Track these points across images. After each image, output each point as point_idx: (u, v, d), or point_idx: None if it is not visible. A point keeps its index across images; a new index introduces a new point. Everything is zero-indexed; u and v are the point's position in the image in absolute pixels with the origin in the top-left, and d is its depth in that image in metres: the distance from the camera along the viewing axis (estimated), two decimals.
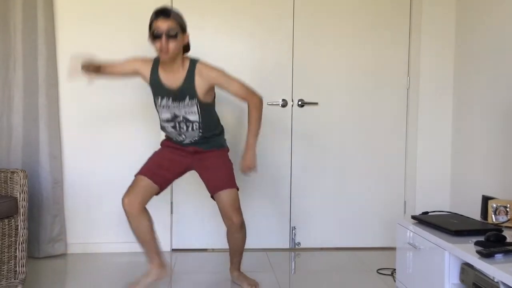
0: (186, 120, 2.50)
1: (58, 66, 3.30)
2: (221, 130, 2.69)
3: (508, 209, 2.45)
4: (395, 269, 2.77)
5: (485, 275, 1.82)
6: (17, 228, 2.56)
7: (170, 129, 2.55)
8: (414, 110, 3.53)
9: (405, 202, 3.58)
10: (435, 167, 3.56)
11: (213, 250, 3.47)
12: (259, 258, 3.29)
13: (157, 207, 3.42)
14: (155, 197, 3.39)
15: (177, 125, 2.52)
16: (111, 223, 3.39)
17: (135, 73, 2.57)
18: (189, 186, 3.44)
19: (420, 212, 2.88)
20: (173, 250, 3.46)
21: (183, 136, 2.56)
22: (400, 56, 3.52)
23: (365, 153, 3.53)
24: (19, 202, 2.57)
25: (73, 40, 3.31)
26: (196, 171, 2.68)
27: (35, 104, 3.19)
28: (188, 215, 3.46)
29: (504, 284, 1.69)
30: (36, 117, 3.19)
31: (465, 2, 3.37)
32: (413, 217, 2.52)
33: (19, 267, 2.57)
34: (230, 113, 3.43)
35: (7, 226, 2.51)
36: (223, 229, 3.46)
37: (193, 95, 2.46)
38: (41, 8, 3.16)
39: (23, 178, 2.58)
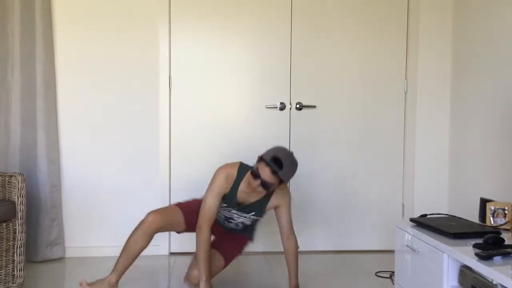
0: (239, 223, 2.65)
1: (56, 70, 3.30)
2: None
3: (506, 212, 2.45)
4: (393, 272, 2.77)
5: (483, 278, 1.82)
6: (15, 232, 2.56)
7: (220, 219, 2.66)
8: (412, 113, 3.54)
9: (403, 205, 3.58)
10: (433, 170, 3.57)
11: None
12: (257, 262, 3.29)
13: None
14: (152, 201, 3.39)
15: (227, 222, 2.66)
16: (109, 227, 3.39)
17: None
18: (187, 190, 3.43)
19: (419, 215, 2.88)
20: (171, 253, 3.45)
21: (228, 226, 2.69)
22: (398, 59, 3.53)
23: (363, 156, 3.54)
24: (17, 206, 2.56)
25: (71, 43, 3.32)
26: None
27: (33, 107, 3.19)
28: None
29: (503, 286, 1.69)
30: (34, 120, 3.19)
31: (463, 6, 3.38)
32: (412, 220, 2.52)
33: (17, 271, 2.57)
34: None
35: (5, 230, 2.51)
36: None
37: (260, 213, 2.60)
38: (39, 12, 3.16)
39: (21, 182, 2.58)
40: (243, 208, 2.56)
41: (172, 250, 3.46)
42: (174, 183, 3.43)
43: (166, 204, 3.40)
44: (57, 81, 3.31)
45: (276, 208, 2.59)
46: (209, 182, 3.44)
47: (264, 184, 2.35)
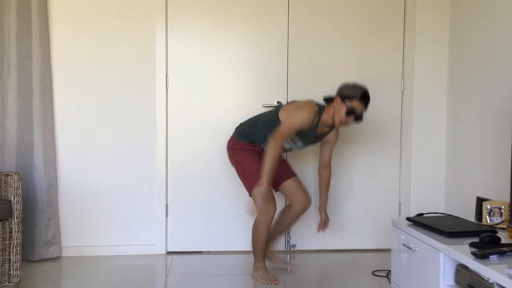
0: (289, 149, 3.01)
1: (53, 69, 3.30)
2: None
3: (502, 211, 2.46)
4: (390, 271, 2.78)
5: (480, 276, 1.83)
6: (11, 231, 2.55)
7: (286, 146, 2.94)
8: (409, 112, 3.55)
9: (399, 204, 3.59)
10: (430, 169, 3.58)
11: (208, 252, 3.47)
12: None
13: (152, 209, 3.42)
14: (148, 200, 3.40)
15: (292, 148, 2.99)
16: (106, 226, 3.39)
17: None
18: (184, 189, 3.44)
19: (415, 214, 2.89)
20: (168, 252, 3.45)
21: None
22: (395, 58, 3.53)
23: (360, 155, 3.54)
24: (13, 205, 2.55)
25: (68, 42, 3.31)
26: None
27: (29, 106, 3.18)
28: (183, 218, 3.45)
29: (499, 285, 1.70)
30: (31, 119, 3.18)
31: (459, 6, 3.39)
32: (408, 219, 2.52)
33: (13, 271, 2.56)
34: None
35: (1, 229, 2.50)
36: (218, 231, 3.47)
37: (317, 141, 2.99)
38: (35, 11, 3.16)
39: (17, 181, 2.57)
40: (315, 141, 2.95)
41: (169, 249, 3.46)
42: (171, 182, 3.43)
43: (163, 203, 3.41)
44: (53, 80, 3.31)
45: (324, 142, 3.00)
46: (208, 181, 3.46)
47: (359, 118, 2.77)
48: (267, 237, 2.85)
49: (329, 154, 3.03)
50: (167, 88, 3.40)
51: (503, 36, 2.85)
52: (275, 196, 2.83)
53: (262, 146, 2.92)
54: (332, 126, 2.90)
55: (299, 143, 2.92)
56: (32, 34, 3.16)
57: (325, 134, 2.94)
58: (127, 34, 3.35)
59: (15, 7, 3.13)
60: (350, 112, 2.74)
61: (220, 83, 3.43)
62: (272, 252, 3.08)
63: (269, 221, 2.78)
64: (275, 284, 2.78)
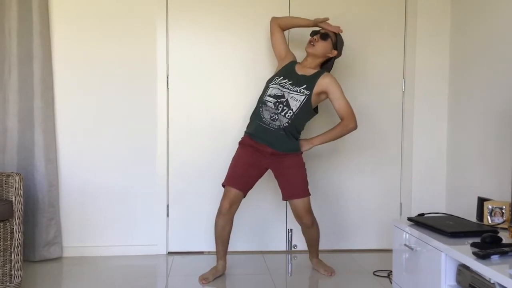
0: (287, 104, 2.84)
1: (54, 69, 3.30)
2: (298, 138, 2.94)
3: (503, 211, 2.46)
4: (391, 271, 2.78)
5: (481, 277, 1.83)
6: (12, 232, 2.55)
7: (269, 104, 2.86)
8: (410, 112, 3.54)
9: (401, 204, 3.58)
10: (431, 169, 3.57)
11: (209, 252, 3.47)
12: (256, 261, 3.29)
13: (153, 210, 3.42)
14: (149, 201, 3.40)
15: (278, 104, 2.85)
16: (107, 226, 3.39)
17: (281, 54, 3.06)
18: (185, 189, 3.43)
19: (416, 214, 2.89)
20: (169, 253, 3.45)
21: (276, 116, 2.84)
22: (395, 58, 3.53)
23: (360, 155, 3.54)
24: (14, 206, 2.56)
25: (69, 43, 3.31)
26: (273, 172, 2.97)
27: (31, 107, 3.18)
28: (184, 218, 3.45)
29: (500, 285, 1.70)
30: (32, 120, 3.18)
31: (460, 5, 3.39)
32: (409, 219, 2.52)
33: (14, 271, 2.56)
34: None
35: (2, 230, 2.50)
36: None
37: (310, 87, 2.86)
38: (36, 11, 3.16)
39: (18, 182, 2.57)
40: (297, 79, 2.88)
41: (170, 250, 3.46)
42: (172, 182, 3.43)
43: (164, 203, 3.41)
44: (54, 80, 3.31)
45: (327, 95, 2.91)
46: (209, 181, 3.46)
47: (323, 35, 2.90)
48: (217, 234, 2.92)
49: (338, 106, 2.88)
50: (168, 88, 3.39)
51: (504, 35, 2.85)
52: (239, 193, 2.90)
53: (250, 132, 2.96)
54: (314, 64, 2.95)
55: (288, 85, 2.87)
56: (33, 35, 3.16)
57: (311, 77, 2.89)
58: (127, 33, 3.35)
59: (16, 8, 3.13)
60: (314, 32, 2.99)
61: (221, 82, 3.43)
62: (313, 259, 3.14)
63: (217, 217, 2.90)
64: (202, 283, 2.86)
